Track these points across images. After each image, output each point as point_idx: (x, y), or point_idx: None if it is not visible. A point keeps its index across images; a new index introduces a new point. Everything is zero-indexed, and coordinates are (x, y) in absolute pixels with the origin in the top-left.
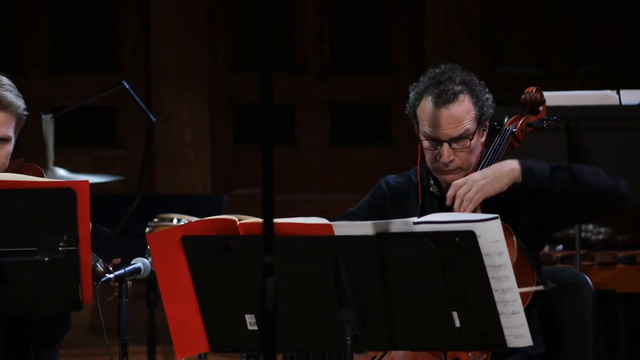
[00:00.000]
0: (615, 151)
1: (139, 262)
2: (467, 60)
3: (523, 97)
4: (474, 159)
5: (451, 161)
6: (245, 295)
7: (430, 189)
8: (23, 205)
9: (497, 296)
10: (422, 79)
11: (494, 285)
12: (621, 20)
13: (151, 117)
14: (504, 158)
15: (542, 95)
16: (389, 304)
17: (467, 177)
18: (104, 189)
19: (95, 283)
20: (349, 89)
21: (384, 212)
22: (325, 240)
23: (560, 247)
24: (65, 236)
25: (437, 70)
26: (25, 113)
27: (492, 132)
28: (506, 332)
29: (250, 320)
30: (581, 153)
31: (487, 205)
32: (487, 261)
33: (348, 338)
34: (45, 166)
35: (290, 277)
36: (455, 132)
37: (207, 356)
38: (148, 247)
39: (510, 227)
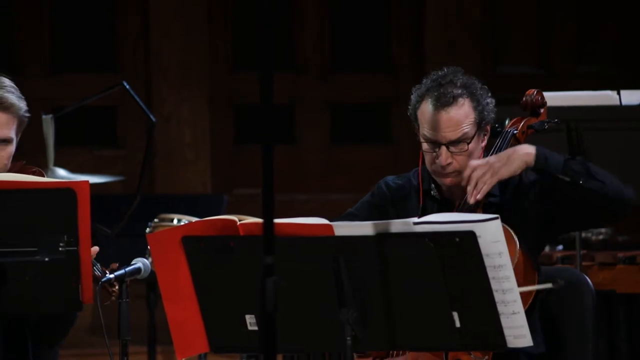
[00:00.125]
0: (615, 151)
1: (139, 262)
2: (467, 60)
3: (524, 99)
4: None
5: (449, 164)
6: (245, 296)
7: (432, 192)
8: (23, 205)
9: (497, 296)
10: (424, 81)
11: (494, 285)
12: (621, 20)
13: (151, 117)
14: None
15: (543, 98)
16: (389, 304)
17: (484, 159)
18: (104, 189)
19: (95, 284)
20: (349, 89)
21: (384, 212)
22: (325, 241)
23: (560, 247)
24: (65, 236)
25: (439, 73)
26: (27, 115)
27: (494, 134)
28: (506, 332)
29: (250, 320)
30: (581, 153)
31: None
32: (487, 261)
33: (348, 338)
34: (45, 166)
35: (291, 278)
36: (453, 135)
37: (207, 356)
38: (148, 247)
39: (516, 226)
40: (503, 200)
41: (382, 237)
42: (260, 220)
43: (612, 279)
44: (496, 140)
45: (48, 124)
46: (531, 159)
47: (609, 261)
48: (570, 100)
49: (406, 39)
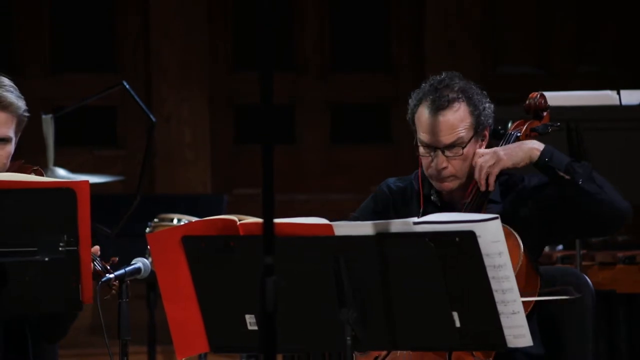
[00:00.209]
0: (615, 151)
1: (139, 262)
2: (467, 60)
3: (527, 102)
4: (468, 167)
5: (444, 168)
6: (245, 296)
7: (432, 197)
8: (23, 205)
9: (497, 296)
10: (422, 85)
11: (494, 285)
12: (621, 20)
13: (151, 117)
14: None
15: (546, 101)
16: (389, 304)
17: (491, 148)
18: (104, 189)
19: (95, 282)
20: (349, 89)
21: (386, 217)
22: (325, 241)
23: (560, 247)
24: (65, 236)
25: (437, 78)
26: (27, 114)
27: (497, 137)
28: (506, 332)
29: (250, 320)
30: (581, 153)
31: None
32: (487, 261)
33: (348, 338)
34: (45, 166)
35: (291, 277)
36: (447, 139)
37: (207, 356)
38: (148, 247)
39: (517, 231)
40: (504, 206)
41: (382, 237)
42: (260, 220)
43: (612, 278)
44: (499, 142)
45: (48, 123)
46: (536, 155)
47: (608, 261)
48: (570, 100)
49: (406, 39)
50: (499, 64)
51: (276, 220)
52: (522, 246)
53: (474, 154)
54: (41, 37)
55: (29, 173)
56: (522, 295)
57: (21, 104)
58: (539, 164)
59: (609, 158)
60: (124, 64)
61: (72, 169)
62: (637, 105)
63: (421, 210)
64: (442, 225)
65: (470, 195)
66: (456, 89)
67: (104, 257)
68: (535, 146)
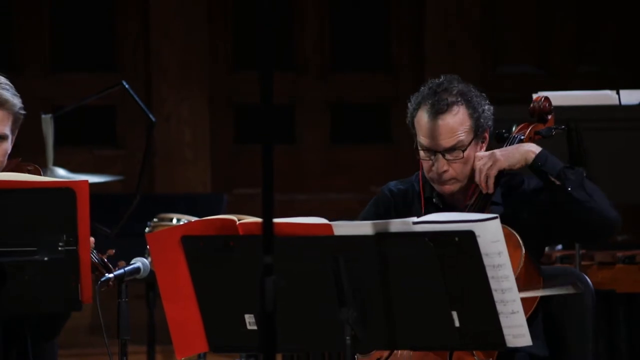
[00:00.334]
0: (615, 151)
1: (138, 262)
2: (467, 60)
3: (532, 105)
4: (469, 170)
5: (445, 172)
6: (244, 295)
7: (433, 200)
8: (23, 205)
9: (497, 296)
10: (421, 89)
11: (493, 284)
12: (621, 20)
13: (151, 116)
14: None
15: (550, 105)
16: (388, 304)
17: (490, 151)
18: (104, 189)
19: (94, 282)
20: (349, 89)
21: (389, 219)
22: (324, 240)
23: (559, 247)
24: (64, 236)
25: (435, 81)
26: (23, 112)
27: (500, 140)
28: (505, 331)
29: (249, 320)
30: (581, 153)
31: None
32: (487, 261)
33: (348, 338)
34: (44, 166)
35: (290, 277)
36: (447, 142)
37: (207, 356)
38: (147, 246)
39: (520, 231)
40: (505, 207)
41: (382, 237)
42: (259, 219)
43: (611, 278)
44: (503, 145)
45: (47, 123)
46: (531, 158)
47: (608, 261)
48: (569, 99)
49: (406, 39)
50: (499, 64)
51: (276, 220)
52: (523, 247)
53: (475, 156)
54: (41, 37)
55: (26, 171)
56: (523, 301)
57: (17, 101)
58: (533, 167)
59: (609, 158)
60: (124, 64)
61: (72, 169)
62: (636, 105)
63: (423, 212)
64: (442, 225)
65: (472, 197)
66: (455, 92)
67: (101, 251)
68: (532, 149)
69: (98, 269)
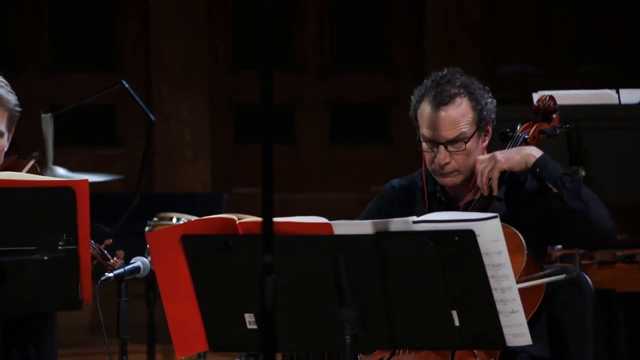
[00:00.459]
0: (615, 151)
1: (138, 261)
2: (467, 60)
3: (536, 104)
4: (472, 162)
5: (447, 163)
6: (244, 294)
7: (437, 194)
8: (23, 204)
9: (497, 295)
10: (424, 82)
11: (493, 284)
12: (621, 20)
13: (150, 116)
14: None
15: (555, 104)
16: (388, 303)
17: (490, 154)
18: (104, 188)
19: (94, 282)
20: (349, 89)
21: (392, 215)
22: (324, 240)
23: (559, 246)
24: (64, 235)
25: (439, 74)
26: (18, 109)
27: (505, 139)
28: (505, 330)
29: (249, 319)
30: (581, 152)
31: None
32: (487, 260)
33: (347, 337)
34: (44, 165)
35: (290, 276)
36: (450, 134)
37: (207, 355)
38: (147, 246)
39: (522, 230)
40: (508, 204)
41: (382, 236)
42: (259, 218)
43: (611, 277)
44: (507, 144)
45: (47, 123)
46: (531, 161)
47: (608, 260)
48: (569, 99)
49: (406, 39)
50: (499, 64)
51: (275, 220)
52: (525, 246)
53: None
54: (41, 37)
55: (23, 167)
56: (525, 298)
57: (12, 98)
58: (532, 171)
59: (609, 157)
60: (124, 64)
61: (72, 168)
62: (636, 104)
63: (427, 206)
64: (442, 224)
65: (478, 193)
66: (458, 84)
67: (98, 242)
68: (533, 153)
69: (96, 259)
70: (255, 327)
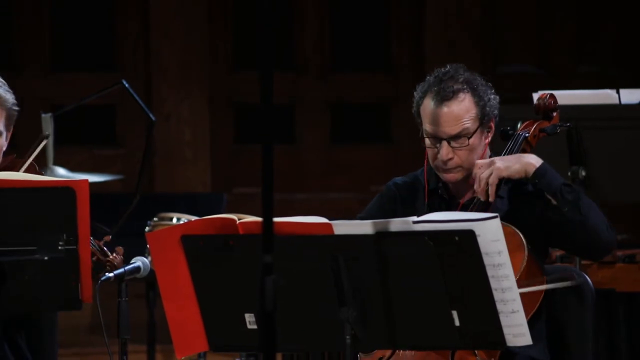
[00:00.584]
0: (615, 150)
1: (138, 261)
2: (467, 60)
3: (537, 102)
4: (474, 158)
5: (450, 159)
6: (244, 294)
7: (439, 191)
8: (23, 204)
9: (497, 295)
10: (427, 78)
11: (493, 284)
12: (621, 20)
13: (150, 115)
14: None
15: (556, 102)
16: (388, 303)
17: (490, 158)
18: (104, 188)
19: (94, 281)
20: (349, 89)
21: (394, 212)
22: (324, 240)
23: None
24: (64, 235)
25: (441, 70)
26: (16, 108)
27: (505, 137)
28: (505, 330)
29: (249, 319)
30: (581, 152)
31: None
32: (487, 260)
33: (348, 337)
34: (44, 165)
35: (290, 276)
36: (453, 130)
37: (207, 355)
38: (148, 246)
39: (523, 230)
40: (510, 203)
41: (382, 236)
42: (259, 218)
43: (611, 277)
44: (507, 142)
45: (47, 122)
46: (531, 170)
47: (608, 260)
48: (569, 99)
49: (406, 39)
50: (499, 63)
51: (276, 219)
52: (526, 245)
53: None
54: (41, 37)
55: (21, 166)
56: (525, 298)
57: (9, 97)
58: (531, 180)
59: (609, 157)
60: (124, 63)
61: (72, 168)
62: (636, 104)
63: (426, 203)
64: (442, 224)
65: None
66: (461, 80)
67: (98, 238)
68: (532, 162)
69: (95, 255)
70: (255, 327)
